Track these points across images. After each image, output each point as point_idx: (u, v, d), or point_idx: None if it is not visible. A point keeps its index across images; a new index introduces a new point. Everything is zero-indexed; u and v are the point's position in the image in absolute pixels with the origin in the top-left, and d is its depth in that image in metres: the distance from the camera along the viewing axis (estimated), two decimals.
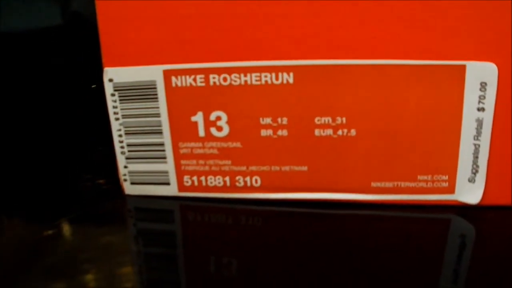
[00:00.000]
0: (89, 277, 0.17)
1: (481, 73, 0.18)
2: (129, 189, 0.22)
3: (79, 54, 0.28)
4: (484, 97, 0.19)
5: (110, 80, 0.20)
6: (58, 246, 0.19)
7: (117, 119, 0.21)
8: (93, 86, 0.25)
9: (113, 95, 0.21)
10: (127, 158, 0.22)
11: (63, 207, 0.22)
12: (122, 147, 0.21)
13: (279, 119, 0.20)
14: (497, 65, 0.18)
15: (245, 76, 0.20)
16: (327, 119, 0.20)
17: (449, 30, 0.18)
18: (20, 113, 0.31)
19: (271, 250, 0.18)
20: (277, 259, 0.18)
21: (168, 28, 0.19)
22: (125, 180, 0.22)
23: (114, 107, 0.21)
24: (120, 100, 0.21)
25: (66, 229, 0.20)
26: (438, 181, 0.20)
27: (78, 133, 0.29)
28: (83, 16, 0.31)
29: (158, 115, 0.21)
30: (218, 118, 0.20)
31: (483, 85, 0.19)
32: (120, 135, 0.21)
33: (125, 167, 0.22)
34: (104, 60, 0.20)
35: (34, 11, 0.31)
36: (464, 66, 0.18)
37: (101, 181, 0.24)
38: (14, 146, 0.28)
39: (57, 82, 0.32)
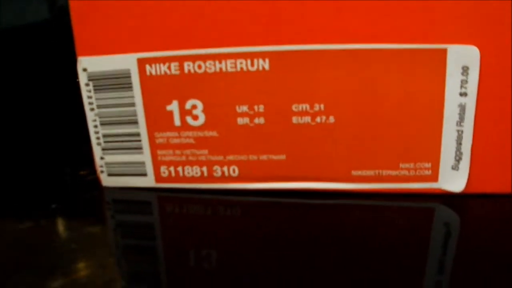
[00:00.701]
0: (72, 268, 0.17)
1: (462, 57, 0.18)
2: (106, 180, 0.22)
3: (65, 49, 0.28)
4: (467, 82, 0.18)
5: (84, 70, 0.20)
6: (38, 238, 0.19)
7: (92, 109, 0.21)
8: (77, 80, 0.25)
9: (87, 85, 0.20)
10: (103, 149, 0.21)
11: (41, 199, 0.22)
12: (98, 138, 0.21)
13: (255, 107, 0.20)
14: (479, 48, 0.18)
15: (220, 63, 0.19)
16: (304, 106, 0.19)
17: (429, 13, 0.18)
18: (3, 107, 0.31)
19: (250, 241, 0.18)
20: (256, 250, 0.18)
21: (141, 15, 0.19)
22: (102, 171, 0.22)
23: (89, 97, 0.20)
24: (95, 90, 0.20)
25: (44, 222, 0.20)
26: (420, 169, 0.20)
27: (62, 127, 0.29)
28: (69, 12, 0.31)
29: (133, 104, 0.20)
30: (194, 106, 0.20)
31: (465, 69, 0.18)
32: (95, 126, 0.21)
33: (102, 158, 0.21)
34: (77, 49, 0.20)
35: (21, 6, 0.31)
36: (445, 50, 0.18)
37: (82, 172, 0.23)
38: None
39: (42, 76, 0.31)
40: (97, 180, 0.22)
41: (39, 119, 0.30)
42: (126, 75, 0.20)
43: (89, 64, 0.20)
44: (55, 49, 0.30)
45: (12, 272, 0.17)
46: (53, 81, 0.31)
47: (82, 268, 0.17)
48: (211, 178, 0.21)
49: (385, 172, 0.20)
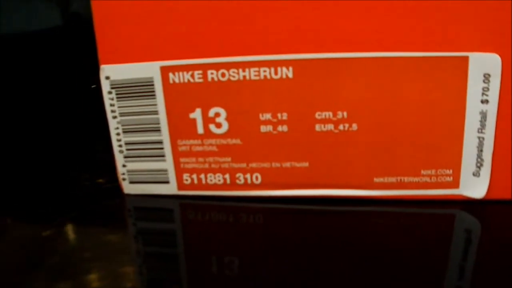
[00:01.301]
0: (91, 277, 0.17)
1: (484, 65, 0.18)
2: (128, 188, 0.22)
3: (79, 55, 0.28)
4: (488, 89, 0.18)
5: (107, 78, 0.20)
6: (58, 246, 0.19)
7: (114, 117, 0.21)
8: (93, 86, 0.25)
9: (110, 93, 0.20)
10: (125, 157, 0.21)
11: (62, 207, 0.22)
12: (120, 145, 0.21)
13: (279, 115, 0.20)
14: (500, 56, 0.18)
15: (244, 71, 0.19)
16: (327, 114, 0.19)
17: (451, 21, 0.18)
18: (20, 114, 0.31)
19: (273, 248, 0.18)
20: (279, 257, 0.18)
21: (165, 24, 0.19)
22: (123, 179, 0.22)
23: (112, 105, 0.21)
24: (118, 98, 0.20)
25: (66, 229, 0.20)
26: (442, 175, 0.20)
27: (78, 134, 0.29)
28: (82, 17, 0.31)
29: (156, 112, 0.20)
30: (217, 114, 0.20)
31: (486, 77, 0.18)
32: (118, 134, 0.21)
33: (124, 166, 0.21)
34: (100, 57, 0.20)
35: (34, 12, 0.31)
36: (467, 58, 0.18)
37: (100, 180, 0.23)
38: (14, 146, 0.28)
39: (57, 83, 0.32)
40: (118, 188, 0.22)
41: (61, 127, 0.30)
42: (149, 83, 0.20)
43: (112, 72, 0.20)
44: (74, 56, 0.30)
45: (32, 280, 0.17)
46: (67, 86, 0.32)
47: (102, 276, 0.17)
48: (233, 185, 0.21)
49: (407, 179, 0.20)
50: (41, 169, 0.25)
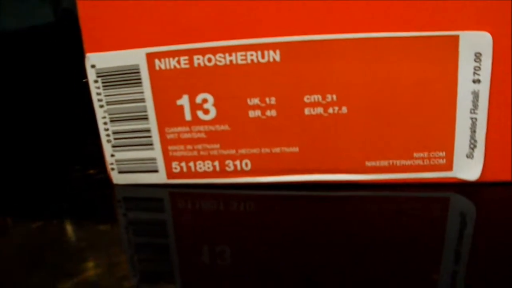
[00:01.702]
0: (83, 266, 0.17)
1: (475, 43, 0.18)
2: (117, 178, 0.22)
3: (70, 51, 0.28)
4: (480, 68, 0.18)
5: (93, 66, 0.20)
6: (48, 237, 0.19)
7: (101, 106, 0.20)
8: (84, 80, 0.25)
9: (96, 81, 0.20)
10: (113, 146, 0.21)
11: (52, 198, 0.22)
12: (108, 135, 0.21)
13: (267, 99, 0.19)
14: (491, 34, 0.18)
15: (230, 55, 0.19)
16: (316, 97, 0.19)
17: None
18: (12, 108, 0.31)
19: (265, 235, 0.18)
20: (271, 244, 0.17)
21: (149, 10, 0.19)
22: (112, 169, 0.21)
23: (98, 93, 0.20)
24: (104, 86, 0.20)
25: (56, 220, 0.20)
26: (435, 158, 0.19)
27: (70, 126, 0.29)
28: (74, 13, 0.31)
29: (143, 100, 0.20)
30: (205, 100, 0.20)
31: (477, 56, 0.18)
32: (105, 123, 0.21)
33: (112, 155, 0.21)
34: (85, 46, 0.20)
35: (26, 9, 0.31)
36: (457, 37, 0.18)
37: (91, 171, 0.23)
38: (5, 139, 0.28)
39: (49, 77, 0.31)
40: (107, 179, 0.22)
41: (47, 119, 0.30)
42: (135, 71, 0.20)
43: (97, 61, 0.20)
44: (61, 49, 0.30)
45: (23, 271, 0.17)
46: (59, 80, 0.31)
47: (93, 266, 0.17)
48: (223, 172, 0.21)
49: (399, 162, 0.20)
50: (32, 161, 0.25)
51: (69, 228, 0.20)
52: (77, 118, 0.29)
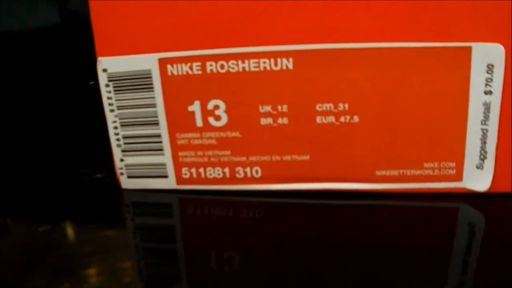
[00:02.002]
0: (89, 271, 0.17)
1: (487, 55, 0.18)
2: (126, 183, 0.22)
3: (77, 52, 0.28)
4: (491, 80, 0.18)
5: (104, 70, 0.20)
6: (55, 241, 0.19)
7: (112, 110, 0.20)
8: (91, 83, 0.25)
9: (107, 85, 0.20)
10: (123, 151, 0.21)
11: (60, 202, 0.21)
12: (117, 139, 0.21)
13: (279, 107, 0.19)
14: (504, 46, 0.18)
15: (243, 62, 0.19)
16: (328, 106, 0.19)
17: (454, 11, 0.18)
18: (19, 110, 0.31)
19: (274, 243, 0.18)
20: (279, 252, 0.17)
21: (162, 15, 0.19)
22: (121, 174, 0.21)
23: (109, 98, 0.20)
24: (115, 90, 0.20)
25: (63, 224, 0.20)
26: (445, 168, 0.19)
27: (77, 129, 0.29)
28: (80, 15, 0.31)
29: (154, 105, 0.20)
30: (216, 107, 0.20)
31: (490, 67, 0.18)
32: (115, 127, 0.21)
33: (121, 160, 0.21)
34: (97, 49, 0.20)
35: (32, 10, 0.31)
36: (470, 48, 0.18)
37: (98, 175, 0.23)
38: (13, 142, 0.28)
39: (56, 80, 0.31)
40: (116, 183, 0.22)
41: (54, 123, 0.30)
42: (147, 76, 0.20)
43: (109, 65, 0.20)
44: (68, 51, 0.30)
45: (27, 275, 0.17)
46: (66, 83, 0.31)
47: (100, 271, 0.17)
48: (233, 179, 0.21)
49: (410, 172, 0.20)
50: (39, 164, 0.25)
51: (75, 232, 0.20)
52: (84, 122, 0.29)
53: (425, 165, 0.20)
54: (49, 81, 0.32)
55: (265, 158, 0.20)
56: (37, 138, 0.28)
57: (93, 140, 0.26)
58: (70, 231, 0.20)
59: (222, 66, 0.19)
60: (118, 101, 0.20)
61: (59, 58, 0.32)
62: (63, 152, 0.26)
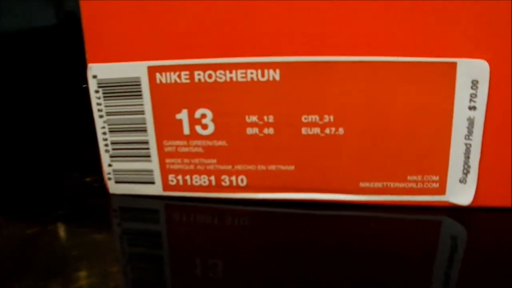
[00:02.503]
0: (76, 275, 0.17)
1: (472, 71, 0.18)
2: (113, 188, 0.22)
3: (71, 54, 0.28)
4: (476, 95, 0.18)
5: (94, 77, 0.20)
6: (43, 244, 0.19)
7: (101, 116, 0.21)
8: (83, 86, 0.25)
9: (97, 91, 0.20)
10: (111, 156, 0.21)
11: (48, 205, 0.22)
12: (106, 145, 0.21)
13: (265, 117, 0.20)
14: (488, 63, 0.18)
15: (231, 72, 0.19)
16: (314, 117, 0.19)
17: (440, 27, 0.18)
18: (11, 112, 0.31)
19: (257, 251, 0.18)
20: (263, 260, 0.17)
21: (153, 24, 0.19)
22: (109, 178, 0.22)
23: (98, 104, 0.20)
24: (104, 97, 0.20)
25: (51, 228, 0.20)
26: (428, 181, 0.20)
27: (70, 132, 0.29)
28: (77, 16, 0.31)
29: (142, 112, 0.20)
30: (203, 115, 0.20)
31: (474, 83, 0.18)
32: (104, 133, 0.21)
33: (109, 165, 0.21)
34: (88, 56, 0.20)
35: (28, 11, 0.31)
36: (455, 64, 0.18)
37: (87, 179, 0.23)
38: (3, 144, 0.28)
39: (49, 81, 0.31)
40: (104, 188, 0.22)
41: (46, 125, 0.30)
42: (136, 83, 0.20)
43: (99, 71, 0.20)
44: (63, 52, 0.30)
45: (15, 278, 0.17)
46: (59, 84, 0.32)
47: (86, 275, 0.17)
48: (219, 187, 0.21)
49: (393, 184, 0.20)
50: (29, 167, 0.25)
51: (63, 235, 0.20)
52: (76, 124, 0.29)
53: (409, 178, 0.20)
54: (43, 82, 0.32)
55: (251, 167, 0.20)
56: (28, 140, 0.28)
57: (86, 144, 0.26)
58: (57, 234, 0.20)
59: (210, 76, 0.19)
60: (107, 107, 0.20)
61: (54, 60, 0.32)
62: (55, 154, 0.27)
